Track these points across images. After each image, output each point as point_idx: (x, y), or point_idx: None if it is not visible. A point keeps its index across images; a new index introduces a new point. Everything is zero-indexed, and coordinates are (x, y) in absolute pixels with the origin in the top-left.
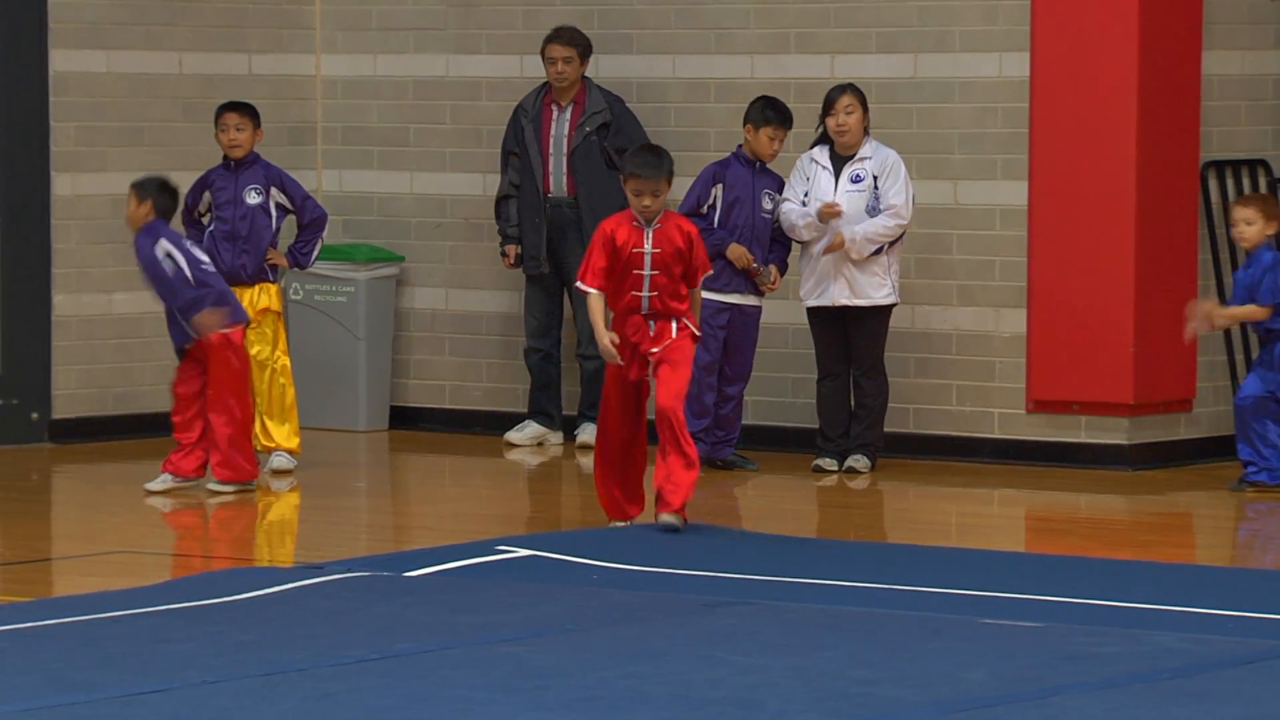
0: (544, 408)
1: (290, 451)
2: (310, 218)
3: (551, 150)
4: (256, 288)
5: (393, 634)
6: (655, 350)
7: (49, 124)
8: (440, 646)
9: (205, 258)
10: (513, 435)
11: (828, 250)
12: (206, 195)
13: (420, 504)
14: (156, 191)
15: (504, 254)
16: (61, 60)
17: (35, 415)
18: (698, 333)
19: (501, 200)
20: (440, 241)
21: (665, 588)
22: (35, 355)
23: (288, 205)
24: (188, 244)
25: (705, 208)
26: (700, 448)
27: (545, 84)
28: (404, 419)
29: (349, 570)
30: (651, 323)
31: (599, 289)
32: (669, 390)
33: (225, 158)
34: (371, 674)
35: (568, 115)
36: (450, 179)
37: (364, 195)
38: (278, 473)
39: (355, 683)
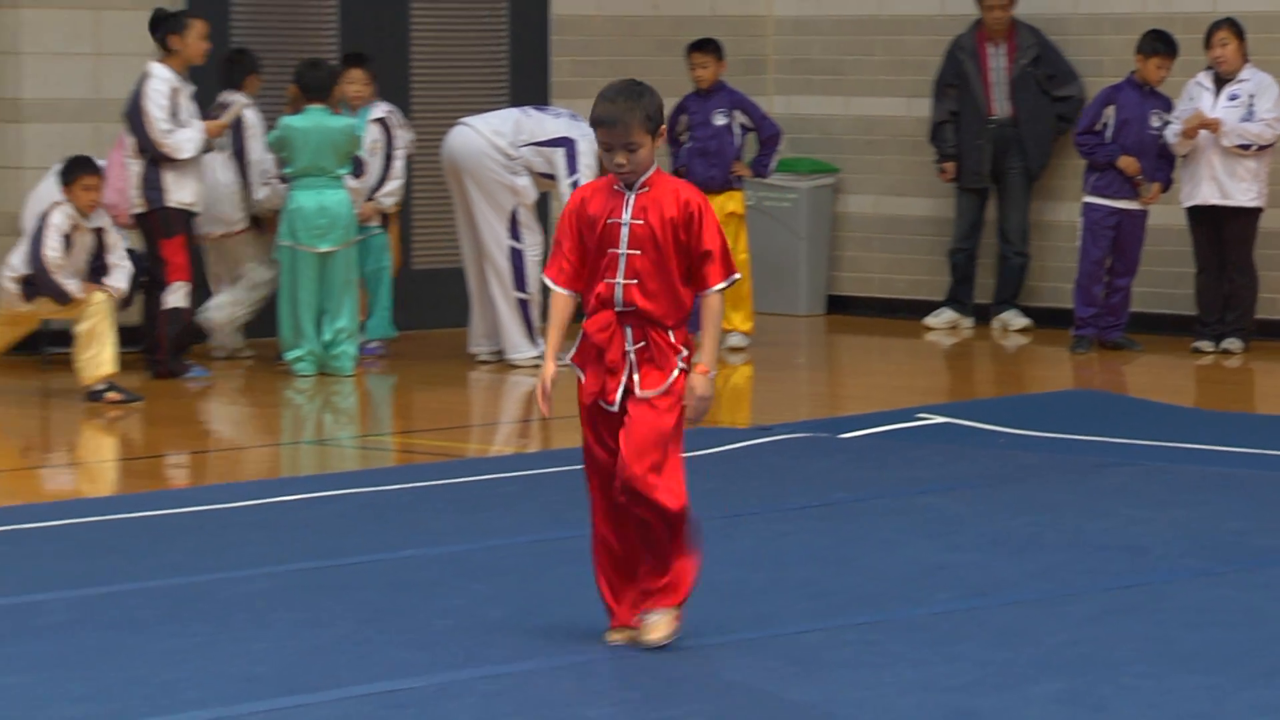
0: (959, 297)
1: (745, 333)
2: (768, 134)
3: (993, 80)
4: (724, 195)
5: (829, 486)
6: (637, 393)
7: (548, 59)
8: (869, 497)
9: None
10: (930, 320)
11: (1190, 128)
12: (683, 118)
13: (852, 377)
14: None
15: (941, 170)
16: (561, 5)
17: None
18: (711, 369)
19: (938, 125)
20: (871, 155)
21: (1063, 450)
22: None
23: (749, 124)
24: None
25: (1099, 125)
26: (1090, 331)
27: (975, 24)
28: (838, 306)
29: (793, 432)
30: (628, 329)
31: (569, 287)
32: (630, 450)
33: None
34: (812, 518)
35: (1003, 51)
36: (880, 103)
37: (807, 117)
38: (734, 349)
39: (798, 525)
